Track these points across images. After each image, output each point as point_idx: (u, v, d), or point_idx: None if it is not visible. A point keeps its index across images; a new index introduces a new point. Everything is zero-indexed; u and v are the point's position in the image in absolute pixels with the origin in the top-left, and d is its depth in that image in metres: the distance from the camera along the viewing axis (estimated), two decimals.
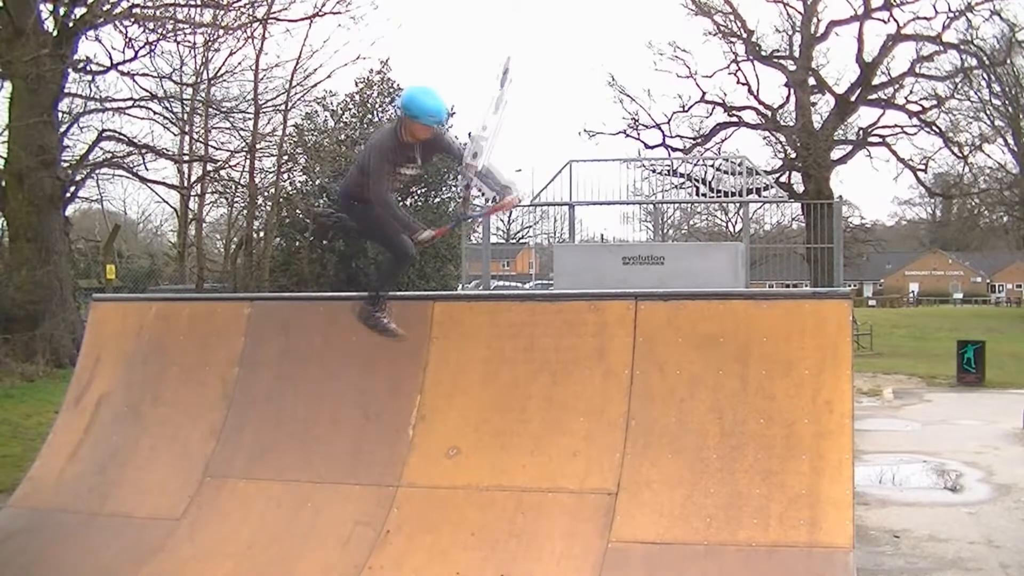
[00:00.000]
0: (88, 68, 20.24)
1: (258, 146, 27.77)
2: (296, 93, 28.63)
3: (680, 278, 14.07)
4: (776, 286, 24.52)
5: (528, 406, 6.34)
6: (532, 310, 6.73)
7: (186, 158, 28.36)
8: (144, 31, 19.68)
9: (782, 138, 34.65)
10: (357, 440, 6.56)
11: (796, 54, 33.15)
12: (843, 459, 5.65)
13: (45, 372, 17.19)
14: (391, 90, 31.54)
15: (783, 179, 33.85)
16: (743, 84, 33.74)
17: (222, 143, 27.65)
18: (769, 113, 34.18)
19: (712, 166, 28.60)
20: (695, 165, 29.92)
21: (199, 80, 26.28)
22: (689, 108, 34.12)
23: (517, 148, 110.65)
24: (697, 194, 31.14)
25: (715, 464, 5.81)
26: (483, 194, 6.57)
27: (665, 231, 44.24)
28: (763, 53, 33.52)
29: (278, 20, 23.91)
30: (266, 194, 29.47)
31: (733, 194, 22.75)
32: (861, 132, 34.63)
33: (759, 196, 26.48)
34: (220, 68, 26.84)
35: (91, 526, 6.50)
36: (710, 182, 28.91)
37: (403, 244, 6.25)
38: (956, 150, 34.68)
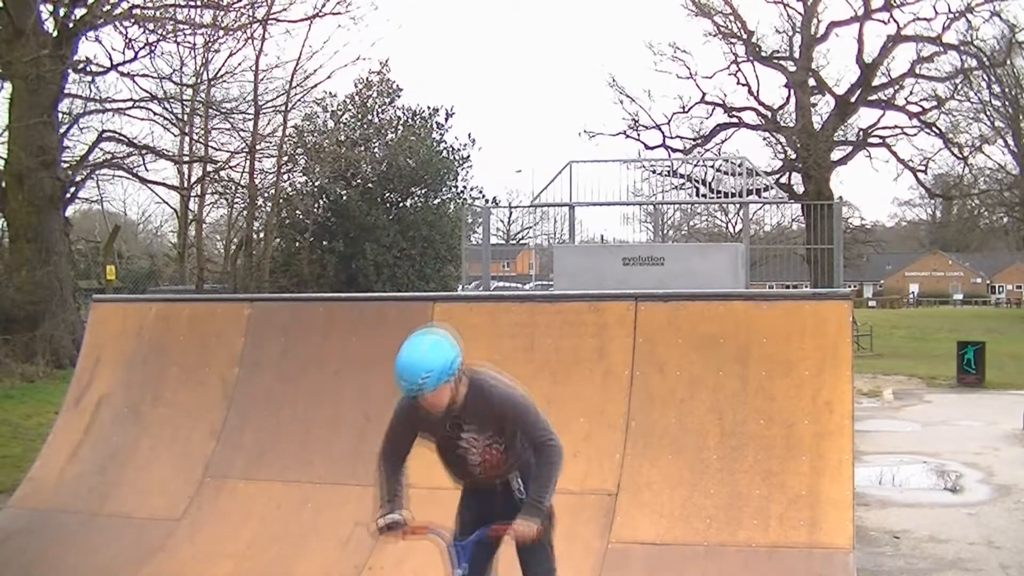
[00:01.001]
0: (88, 69, 20.27)
1: (258, 147, 27.81)
2: (296, 94, 28.72)
3: (680, 279, 14.09)
4: (776, 287, 24.55)
5: None
6: (532, 311, 6.72)
7: (186, 159, 28.37)
8: (144, 32, 19.72)
9: (782, 139, 34.62)
10: (357, 440, 6.54)
11: (796, 55, 33.12)
12: (843, 460, 5.65)
13: (45, 372, 17.19)
14: (390, 91, 31.57)
15: (783, 180, 33.83)
16: (743, 85, 33.74)
17: (222, 144, 27.77)
18: (769, 114, 34.15)
19: (712, 167, 28.69)
20: (695, 166, 29.98)
21: (199, 81, 26.30)
22: (689, 109, 34.11)
23: (518, 148, 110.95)
24: (697, 195, 31.18)
25: (715, 465, 5.80)
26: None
27: (665, 232, 44.20)
28: (763, 54, 33.50)
29: (278, 21, 24.01)
30: (266, 195, 29.49)
31: (733, 195, 22.83)
32: (861, 133, 34.59)
33: (759, 197, 26.51)
34: (220, 69, 26.93)
35: (91, 526, 6.50)
36: (710, 183, 28.98)
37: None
38: (956, 151, 34.67)
